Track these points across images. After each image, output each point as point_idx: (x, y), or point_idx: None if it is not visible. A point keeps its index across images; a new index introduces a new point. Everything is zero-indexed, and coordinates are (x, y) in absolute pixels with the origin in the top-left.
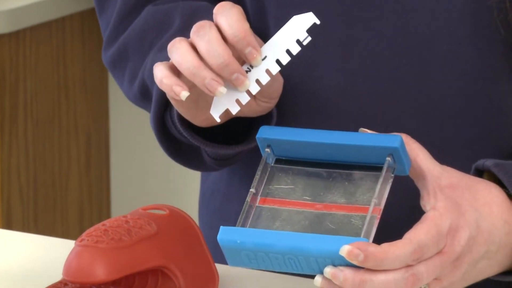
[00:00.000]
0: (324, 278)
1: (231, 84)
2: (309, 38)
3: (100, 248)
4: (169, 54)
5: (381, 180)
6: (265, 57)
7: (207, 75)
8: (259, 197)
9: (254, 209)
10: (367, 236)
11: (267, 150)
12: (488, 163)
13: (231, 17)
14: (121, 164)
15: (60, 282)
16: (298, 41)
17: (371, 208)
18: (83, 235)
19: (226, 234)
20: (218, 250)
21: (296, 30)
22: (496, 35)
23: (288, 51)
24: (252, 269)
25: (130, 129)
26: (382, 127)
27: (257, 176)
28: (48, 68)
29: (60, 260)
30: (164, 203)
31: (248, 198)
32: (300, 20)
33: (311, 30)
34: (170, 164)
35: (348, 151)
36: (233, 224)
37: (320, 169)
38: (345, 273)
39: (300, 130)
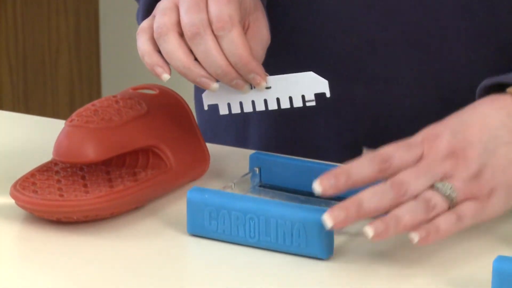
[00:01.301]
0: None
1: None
2: (314, 103)
3: (90, 128)
4: (157, 42)
5: None
6: (269, 87)
7: (198, 73)
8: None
9: None
10: None
11: (256, 169)
12: (483, 82)
13: (232, 43)
14: (111, 43)
15: (50, 162)
16: (303, 97)
17: None
18: (73, 115)
19: (195, 191)
20: (216, 135)
21: (306, 87)
22: None
23: (290, 99)
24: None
25: (120, 6)
26: (377, 18)
27: (238, 180)
28: None
29: (50, 140)
30: (155, 83)
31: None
32: (314, 80)
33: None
34: None
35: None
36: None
37: (300, 196)
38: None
39: (291, 158)
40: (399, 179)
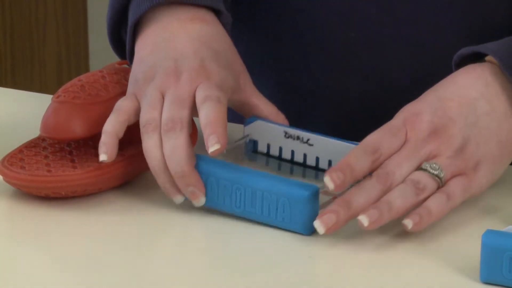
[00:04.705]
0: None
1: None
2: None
3: (77, 104)
4: (141, 136)
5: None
6: (312, 145)
7: (166, 180)
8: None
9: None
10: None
11: (250, 134)
12: (460, 50)
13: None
14: (99, 16)
15: (38, 138)
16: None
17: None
18: (60, 91)
19: None
20: None
21: None
22: None
23: (329, 162)
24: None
25: None
26: (374, 13)
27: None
28: None
29: (38, 116)
30: None
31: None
32: None
33: None
34: None
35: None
36: None
37: (294, 165)
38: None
39: (287, 126)
40: (383, 172)
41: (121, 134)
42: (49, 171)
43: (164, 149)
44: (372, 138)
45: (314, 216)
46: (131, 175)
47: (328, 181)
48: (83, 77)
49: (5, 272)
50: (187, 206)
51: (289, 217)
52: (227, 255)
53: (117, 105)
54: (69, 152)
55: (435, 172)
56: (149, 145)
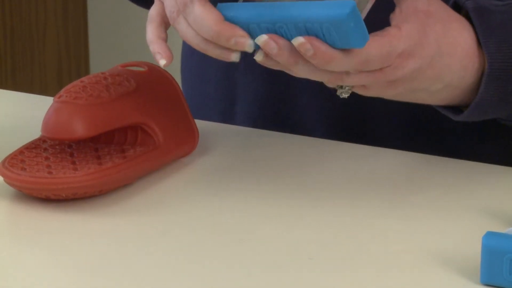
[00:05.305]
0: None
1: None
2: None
3: (78, 104)
4: (175, 28)
5: None
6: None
7: (214, 48)
8: None
9: None
10: (359, 6)
11: None
12: (469, 4)
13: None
14: (99, 18)
15: (39, 139)
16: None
17: None
18: (62, 91)
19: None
20: (201, 110)
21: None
22: None
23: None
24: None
25: None
26: None
27: None
28: None
29: (38, 117)
30: (144, 60)
31: None
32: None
33: None
34: None
35: None
36: (214, 86)
37: None
38: (280, 44)
39: None
40: (347, 77)
41: (164, 35)
42: (50, 172)
43: (192, 26)
44: (375, 56)
45: (361, 28)
46: (132, 177)
47: (296, 40)
48: (85, 78)
49: (5, 273)
50: (187, 207)
51: (337, 39)
52: (227, 256)
53: (148, 15)
54: (70, 154)
55: (340, 94)
56: (182, 29)
